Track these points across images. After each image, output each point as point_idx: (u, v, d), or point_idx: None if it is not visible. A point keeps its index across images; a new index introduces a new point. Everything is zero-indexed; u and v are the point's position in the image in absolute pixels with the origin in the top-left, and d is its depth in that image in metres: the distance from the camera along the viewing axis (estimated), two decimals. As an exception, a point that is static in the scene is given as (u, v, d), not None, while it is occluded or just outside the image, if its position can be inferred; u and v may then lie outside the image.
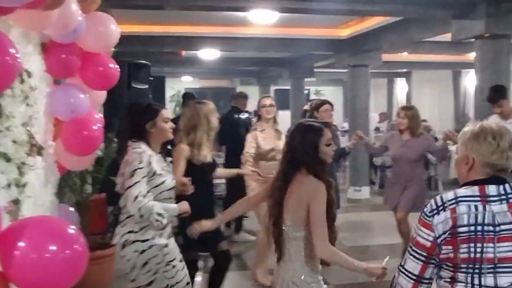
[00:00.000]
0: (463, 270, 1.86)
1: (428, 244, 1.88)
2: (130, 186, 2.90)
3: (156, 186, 3.01)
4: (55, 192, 3.09)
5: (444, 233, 1.86)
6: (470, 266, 1.85)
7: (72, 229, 1.63)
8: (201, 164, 3.79)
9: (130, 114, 3.26)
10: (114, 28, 3.12)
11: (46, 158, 2.77)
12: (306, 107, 7.51)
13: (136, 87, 5.92)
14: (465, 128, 1.99)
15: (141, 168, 2.93)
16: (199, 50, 9.95)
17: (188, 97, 7.48)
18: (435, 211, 1.89)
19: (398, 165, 5.53)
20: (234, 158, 6.76)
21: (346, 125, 14.88)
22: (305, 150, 2.57)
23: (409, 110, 5.44)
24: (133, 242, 2.98)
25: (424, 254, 1.89)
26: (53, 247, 1.54)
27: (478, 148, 1.90)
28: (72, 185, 4.77)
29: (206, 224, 2.98)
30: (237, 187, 6.02)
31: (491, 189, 1.89)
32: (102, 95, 3.44)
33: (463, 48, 10.10)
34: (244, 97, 7.10)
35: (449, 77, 14.90)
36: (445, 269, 1.91)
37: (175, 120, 7.08)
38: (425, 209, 1.93)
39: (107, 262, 4.92)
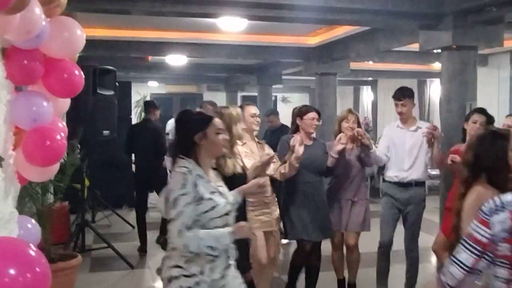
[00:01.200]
0: None
1: (484, 240, 2.07)
2: (172, 218, 2.55)
3: (205, 212, 2.63)
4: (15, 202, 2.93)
5: (503, 231, 2.04)
6: None
7: (33, 250, 1.52)
8: (231, 175, 3.40)
9: (177, 124, 2.85)
10: (79, 34, 2.99)
11: (6, 169, 2.62)
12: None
13: (101, 93, 5.79)
14: None
15: (184, 194, 2.57)
16: (166, 55, 9.81)
17: (149, 105, 7.38)
18: (493, 211, 2.08)
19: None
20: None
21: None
22: (494, 157, 2.52)
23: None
24: (178, 277, 2.60)
25: (479, 249, 2.07)
26: (12, 271, 1.42)
27: None
28: (33, 194, 4.62)
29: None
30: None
31: None
32: (66, 102, 3.29)
33: (428, 58, 10.27)
34: (213, 105, 7.03)
35: (414, 86, 15.10)
36: (502, 266, 2.09)
37: (137, 125, 6.94)
38: (483, 208, 2.12)
39: (69, 274, 4.77)
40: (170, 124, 10.50)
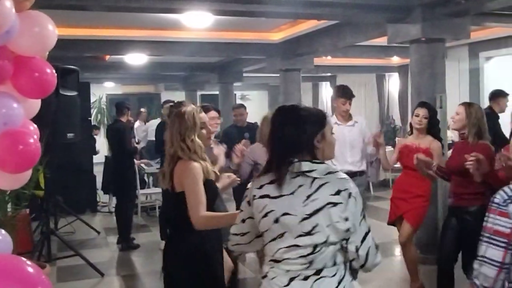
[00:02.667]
0: None
1: (508, 230, 2.05)
2: (368, 232, 2.12)
3: None
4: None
5: None
6: None
7: (32, 268, 1.34)
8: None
9: (290, 123, 2.15)
10: (51, 29, 2.77)
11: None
12: None
13: (64, 94, 5.51)
14: None
15: None
16: (125, 54, 9.51)
17: (122, 106, 7.14)
18: (508, 201, 2.07)
19: None
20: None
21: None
22: None
23: None
24: None
25: (505, 240, 2.05)
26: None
27: None
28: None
29: None
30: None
31: None
32: (37, 103, 3.06)
33: (388, 52, 10.37)
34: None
35: (373, 81, 15.29)
36: None
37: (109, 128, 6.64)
38: (495, 200, 2.10)
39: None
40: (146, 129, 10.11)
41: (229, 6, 5.47)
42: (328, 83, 18.07)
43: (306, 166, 2.05)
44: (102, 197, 9.56)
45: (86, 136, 8.86)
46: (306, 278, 2.02)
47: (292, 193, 2.04)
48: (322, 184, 2.02)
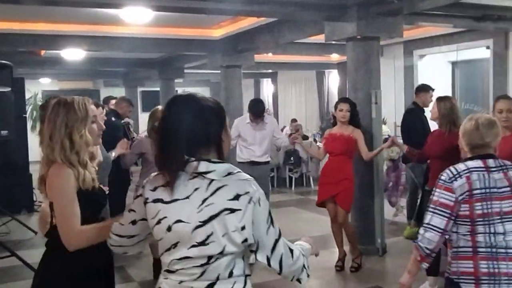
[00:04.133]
0: (479, 223, 2.51)
1: (451, 203, 2.52)
2: None
3: None
4: None
5: (462, 194, 2.51)
6: (486, 219, 2.51)
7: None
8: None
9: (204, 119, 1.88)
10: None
11: None
12: None
13: (-3, 90, 5.34)
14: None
15: None
16: (62, 49, 9.27)
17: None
18: (453, 178, 2.54)
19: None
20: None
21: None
22: None
23: None
24: None
25: (448, 211, 2.52)
26: None
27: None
28: None
29: None
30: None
31: (491, 162, 2.60)
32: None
33: (327, 49, 10.61)
34: (127, 101, 6.94)
35: (313, 78, 15.58)
36: (463, 225, 2.54)
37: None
38: (442, 177, 2.58)
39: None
40: None
41: (169, 2, 5.46)
42: (270, 79, 18.27)
43: (203, 166, 1.77)
44: (39, 196, 9.29)
45: (21, 133, 8.58)
46: None
47: (187, 197, 1.78)
48: (220, 187, 1.76)
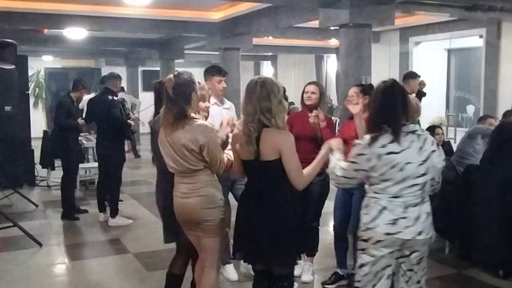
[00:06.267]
0: None
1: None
2: None
3: None
4: None
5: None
6: None
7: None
8: None
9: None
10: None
11: None
12: None
13: (2, 67, 5.55)
14: None
15: None
16: (64, 28, 9.46)
17: (78, 82, 7.16)
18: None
19: None
20: (107, 141, 6.66)
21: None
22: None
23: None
24: None
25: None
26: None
27: None
28: None
29: None
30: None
31: None
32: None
33: (325, 34, 10.78)
34: (116, 77, 6.93)
35: (312, 61, 15.74)
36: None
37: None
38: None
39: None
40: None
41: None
42: (270, 62, 18.43)
43: (411, 126, 2.76)
44: (40, 171, 9.56)
45: (24, 110, 8.81)
46: (415, 205, 2.76)
47: (408, 148, 2.72)
48: (425, 138, 2.78)
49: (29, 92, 11.74)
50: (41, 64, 17.26)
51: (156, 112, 3.73)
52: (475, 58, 10.05)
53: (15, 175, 8.69)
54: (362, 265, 2.86)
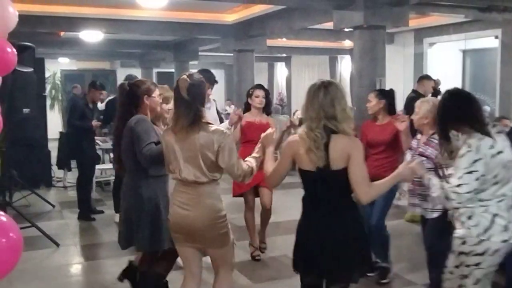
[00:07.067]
0: None
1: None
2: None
3: None
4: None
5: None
6: None
7: (4, 217, 1.63)
8: None
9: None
10: (12, 11, 3.00)
11: None
12: None
13: (20, 70, 5.64)
14: None
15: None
16: (81, 31, 9.58)
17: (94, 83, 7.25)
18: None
19: None
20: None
21: (228, 109, 15.19)
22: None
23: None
24: None
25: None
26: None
27: None
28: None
29: None
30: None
31: None
32: (-3, 80, 3.28)
33: (339, 36, 10.78)
34: (134, 79, 7.02)
35: (326, 62, 15.73)
36: None
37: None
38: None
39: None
40: None
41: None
42: (284, 63, 18.44)
43: (497, 128, 2.84)
44: (57, 172, 9.66)
45: (41, 111, 8.92)
46: None
47: (506, 146, 2.77)
48: (506, 136, 2.83)
49: (46, 94, 11.87)
50: (57, 66, 17.46)
51: (124, 116, 3.55)
52: (491, 59, 9.98)
53: (32, 176, 8.79)
54: (476, 282, 2.77)
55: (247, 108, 5.27)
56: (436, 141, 3.93)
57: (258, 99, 5.15)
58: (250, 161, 3.06)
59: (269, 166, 2.93)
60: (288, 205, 7.63)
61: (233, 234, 3.17)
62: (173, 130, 2.96)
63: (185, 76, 2.95)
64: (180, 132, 2.92)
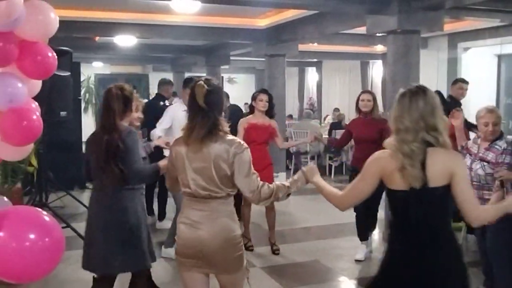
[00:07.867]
0: None
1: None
2: None
3: None
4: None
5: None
6: None
7: (47, 217, 1.67)
8: None
9: None
10: (53, 17, 3.08)
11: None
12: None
13: (58, 74, 5.78)
14: None
15: None
16: (115, 36, 9.74)
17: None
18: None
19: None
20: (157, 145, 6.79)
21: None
22: None
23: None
24: None
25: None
26: (32, 236, 1.58)
27: None
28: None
29: None
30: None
31: None
32: (38, 84, 3.38)
33: (371, 41, 10.72)
34: (168, 83, 7.14)
35: (357, 67, 15.63)
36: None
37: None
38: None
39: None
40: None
41: (216, -6, 5.76)
42: (314, 68, 18.39)
43: None
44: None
45: (76, 114, 9.10)
46: None
47: None
48: None
49: (81, 97, 12.11)
50: (91, 70, 17.80)
51: (109, 121, 3.29)
52: (527, 64, 9.79)
53: (67, 178, 8.97)
54: None
55: (251, 110, 5.72)
56: (499, 147, 4.09)
57: (261, 103, 5.56)
58: (276, 184, 2.74)
59: (328, 187, 2.62)
60: (316, 211, 7.64)
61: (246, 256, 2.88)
62: (186, 142, 2.67)
63: (201, 82, 2.63)
64: (194, 143, 2.63)
